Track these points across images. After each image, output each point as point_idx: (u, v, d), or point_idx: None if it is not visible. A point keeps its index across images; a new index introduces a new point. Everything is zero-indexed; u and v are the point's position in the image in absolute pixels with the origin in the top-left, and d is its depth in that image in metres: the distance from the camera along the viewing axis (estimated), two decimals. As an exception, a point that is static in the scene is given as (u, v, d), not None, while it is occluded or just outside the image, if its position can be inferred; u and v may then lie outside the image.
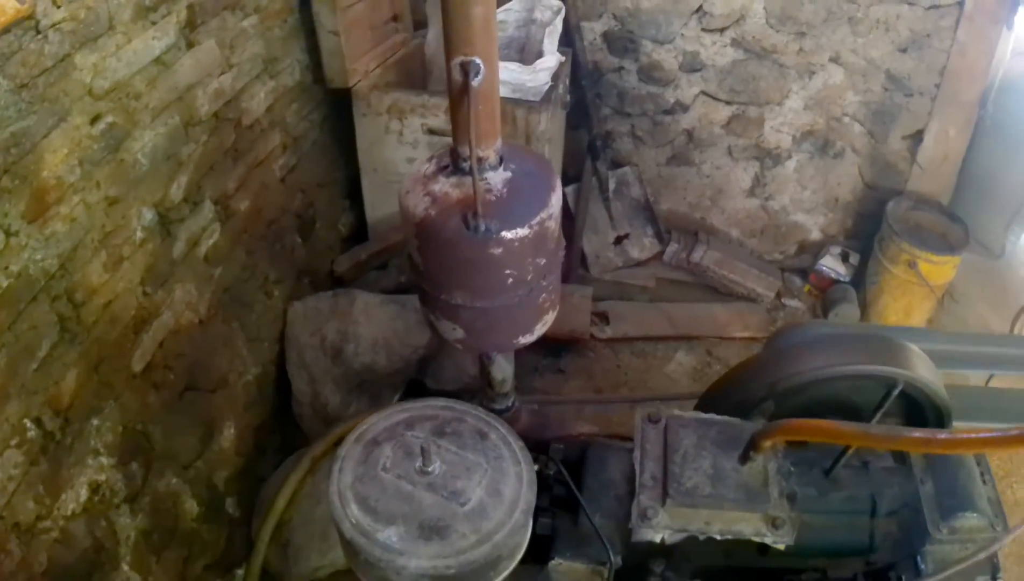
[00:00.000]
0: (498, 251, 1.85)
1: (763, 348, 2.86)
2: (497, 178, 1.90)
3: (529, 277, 1.97)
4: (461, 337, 2.11)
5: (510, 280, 1.93)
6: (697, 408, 2.61)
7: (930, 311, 5.07)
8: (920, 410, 2.42)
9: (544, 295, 2.08)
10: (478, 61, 1.71)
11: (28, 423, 2.42)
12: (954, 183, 5.14)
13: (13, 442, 2.36)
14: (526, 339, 2.17)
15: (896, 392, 2.28)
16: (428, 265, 1.99)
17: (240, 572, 3.57)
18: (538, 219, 1.87)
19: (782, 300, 5.43)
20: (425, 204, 1.88)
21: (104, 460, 2.78)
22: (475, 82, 1.71)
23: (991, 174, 4.99)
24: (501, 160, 1.93)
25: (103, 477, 2.78)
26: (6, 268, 2.30)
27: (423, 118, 4.05)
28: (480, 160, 1.86)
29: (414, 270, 2.07)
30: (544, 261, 1.98)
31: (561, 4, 4.36)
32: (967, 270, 4.96)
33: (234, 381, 3.66)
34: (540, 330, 2.18)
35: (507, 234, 1.83)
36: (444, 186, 1.90)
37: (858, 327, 4.75)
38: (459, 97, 1.78)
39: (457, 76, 1.74)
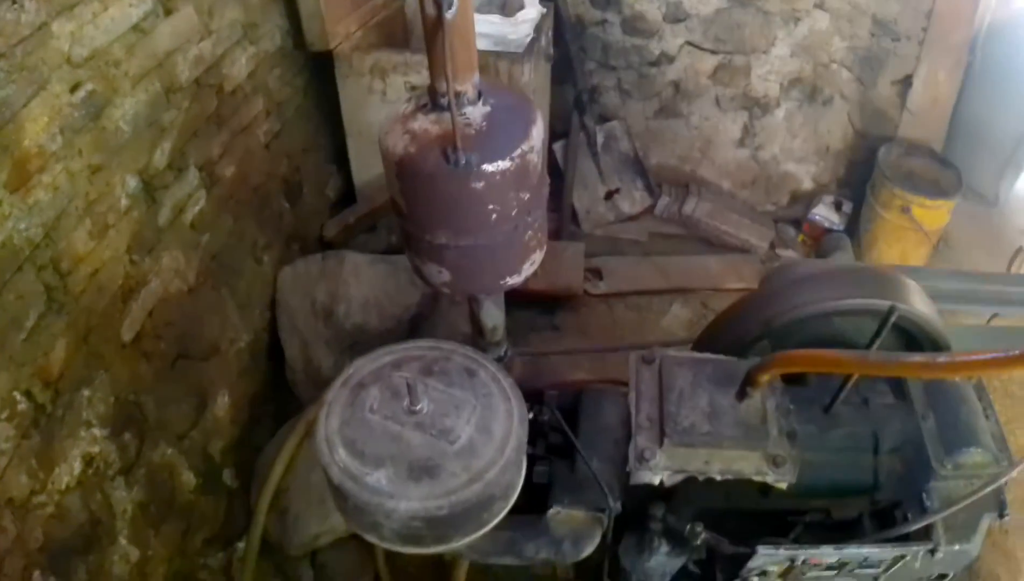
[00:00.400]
0: (480, 185, 1.83)
1: (758, 286, 2.83)
2: (476, 112, 1.88)
3: (513, 212, 1.95)
4: (447, 280, 2.09)
5: (494, 216, 1.91)
6: (692, 350, 2.60)
7: (925, 257, 5.05)
8: (918, 346, 2.42)
9: (530, 233, 2.05)
10: (451, -8, 1.68)
11: (18, 396, 2.40)
12: (945, 128, 5.13)
13: (3, 415, 2.34)
14: (513, 280, 2.15)
15: (892, 320, 2.25)
16: (411, 205, 1.97)
17: (240, 544, 3.56)
18: (519, 152, 1.85)
19: (776, 250, 5.42)
20: (404, 142, 1.85)
21: (97, 432, 2.76)
22: (449, 14, 1.68)
23: (982, 121, 4.98)
24: (480, 95, 1.90)
25: (96, 449, 2.76)
26: (-10, 237, 2.27)
27: (406, 76, 4.03)
28: (458, 94, 1.84)
29: (397, 212, 2.05)
30: (528, 196, 1.95)
31: (541, -43, 4.33)
32: (961, 217, 4.96)
33: (226, 349, 3.64)
34: (528, 270, 2.16)
35: (488, 167, 1.81)
36: (423, 124, 1.88)
37: (852, 263, 4.73)
38: (433, 31, 1.75)
39: (430, 10, 1.71)
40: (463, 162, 1.76)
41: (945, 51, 4.83)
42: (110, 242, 2.83)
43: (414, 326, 3.94)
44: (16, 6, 2.31)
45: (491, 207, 1.89)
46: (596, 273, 4.95)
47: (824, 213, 5.38)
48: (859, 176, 5.32)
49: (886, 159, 4.97)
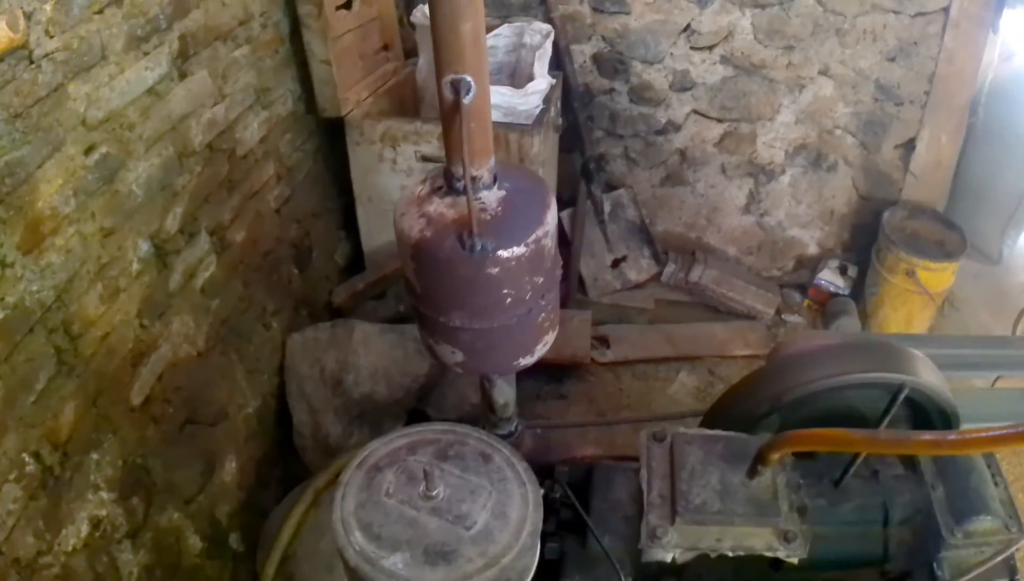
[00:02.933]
0: (495, 270, 1.83)
1: (766, 361, 2.84)
2: (492, 197, 1.89)
3: (527, 296, 1.95)
4: (461, 360, 2.09)
5: (508, 299, 1.92)
6: (702, 425, 2.60)
7: (930, 319, 5.06)
8: (926, 415, 2.41)
9: (543, 315, 2.06)
10: (469, 79, 1.70)
11: (27, 457, 2.40)
12: (948, 189, 5.15)
13: (12, 476, 2.33)
14: (527, 361, 2.15)
15: (902, 397, 2.26)
16: (425, 287, 1.97)
17: (246, 610, 3.54)
18: (534, 237, 1.86)
19: (782, 316, 5.43)
20: (420, 225, 1.86)
21: (104, 495, 2.75)
22: (466, 100, 1.70)
23: (985, 179, 5.00)
24: (495, 179, 1.92)
25: (104, 512, 2.75)
26: (1, 299, 2.29)
27: (416, 145, 4.05)
28: (474, 179, 1.85)
29: (411, 293, 2.05)
30: (542, 279, 1.96)
31: (550, 28, 4.38)
32: (965, 276, 4.96)
33: (234, 413, 3.63)
34: (541, 351, 2.17)
35: (503, 253, 1.81)
36: (439, 207, 1.89)
37: (860, 335, 4.74)
38: (451, 116, 1.76)
39: (448, 94, 1.73)
40: (479, 248, 1.77)
41: (947, 114, 4.86)
42: (121, 306, 2.83)
43: (423, 395, 3.94)
44: (33, 66, 2.34)
45: (506, 291, 1.89)
46: (603, 341, 4.95)
47: (829, 278, 5.37)
48: (864, 239, 5.33)
49: (890, 222, 4.98)
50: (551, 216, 1.94)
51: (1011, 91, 4.76)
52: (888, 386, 2.31)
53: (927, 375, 2.33)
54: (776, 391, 2.46)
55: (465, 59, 1.70)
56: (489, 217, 1.85)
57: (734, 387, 2.69)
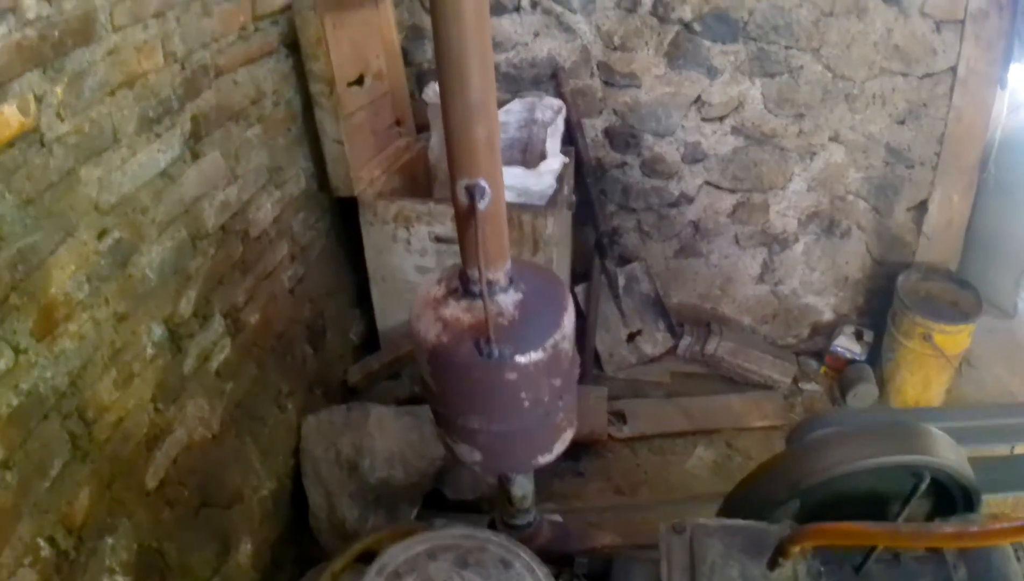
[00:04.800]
0: (513, 376, 1.83)
1: (785, 445, 2.83)
2: (508, 300, 1.88)
3: (546, 398, 1.94)
4: (479, 459, 2.09)
5: (526, 403, 1.91)
6: (721, 511, 2.60)
7: (948, 381, 5.03)
8: (947, 492, 2.40)
9: (562, 415, 2.06)
10: (483, 184, 1.70)
11: (41, 542, 2.38)
12: (961, 248, 5.14)
13: (27, 561, 2.31)
14: (545, 459, 2.15)
15: (924, 485, 2.27)
16: (442, 390, 1.97)
17: None
18: (552, 341, 1.85)
19: (798, 384, 5.39)
20: (437, 330, 1.86)
21: (119, 579, 2.73)
22: (481, 205, 1.70)
23: (997, 232, 4.99)
24: (511, 281, 1.91)
25: (119, 596, 2.73)
26: (16, 386, 2.27)
27: (430, 226, 4.05)
28: (490, 283, 1.84)
29: (428, 393, 2.05)
30: (559, 381, 1.95)
31: (561, 103, 4.39)
32: (981, 332, 4.93)
33: (249, 496, 3.61)
34: (559, 448, 2.17)
35: (521, 359, 1.81)
36: (455, 310, 1.88)
37: (876, 414, 4.69)
38: (466, 220, 1.76)
39: (463, 199, 1.73)
40: (496, 354, 1.77)
41: (958, 173, 4.86)
42: (135, 391, 2.82)
43: (439, 477, 3.91)
44: (45, 150, 2.34)
45: (524, 395, 1.89)
46: (620, 416, 4.93)
47: (845, 344, 5.34)
48: (879, 303, 5.31)
49: (904, 286, 4.96)
50: (568, 318, 1.93)
51: (1021, 142, 4.76)
52: (908, 469, 2.31)
53: (946, 454, 2.32)
54: (795, 477, 2.45)
55: (480, 164, 1.70)
56: (506, 322, 1.84)
57: (753, 473, 2.67)
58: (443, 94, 1.65)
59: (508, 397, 1.88)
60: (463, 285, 1.91)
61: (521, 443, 2.06)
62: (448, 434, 2.09)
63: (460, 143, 1.69)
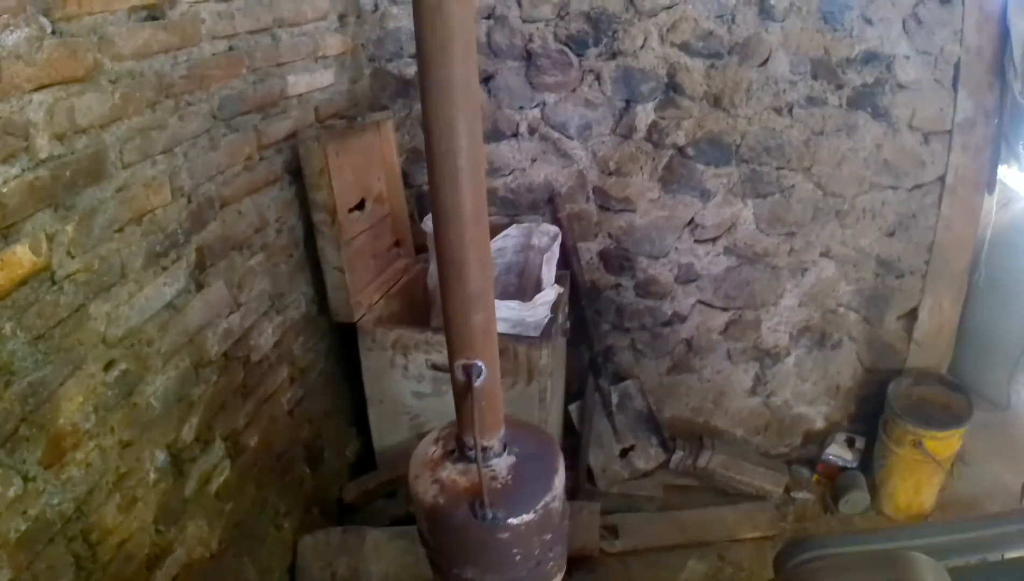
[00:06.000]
0: (505, 535, 1.90)
1: (773, 570, 2.88)
2: (502, 464, 1.96)
3: (536, 552, 2.01)
4: (473, 605, 2.16)
5: (518, 557, 1.98)
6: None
7: (940, 484, 5.05)
8: None
9: (552, 564, 2.12)
10: (480, 364, 1.79)
11: (47, 662, 2.43)
12: (951, 351, 5.19)
13: (34, 681, 2.36)
14: (536, 604, 2.21)
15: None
16: (439, 544, 2.04)
17: None
18: (543, 503, 1.93)
19: (791, 493, 5.40)
20: (434, 491, 1.93)
21: None
22: (478, 383, 1.79)
23: (989, 329, 5.05)
24: (505, 445, 1.99)
25: None
26: (24, 512, 2.33)
27: (427, 354, 4.11)
28: (485, 449, 1.93)
29: (425, 544, 2.12)
30: (550, 536, 2.02)
31: (558, 230, 4.48)
32: (975, 427, 4.93)
33: (247, 615, 3.64)
34: (550, 591, 2.23)
35: (513, 520, 1.88)
36: (451, 473, 1.96)
37: (862, 536, 4.73)
38: (462, 394, 1.85)
39: (460, 377, 1.82)
40: (490, 517, 1.84)
41: (948, 280, 4.95)
42: (138, 514, 2.88)
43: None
44: (56, 288, 2.42)
45: (515, 551, 1.95)
46: (612, 531, 4.93)
47: (837, 452, 5.39)
48: (870, 409, 5.35)
49: (895, 394, 5.02)
50: (559, 480, 2.01)
51: (1010, 239, 4.83)
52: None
53: (927, 577, 2.37)
54: None
55: (476, 346, 1.80)
56: (499, 485, 1.92)
57: None
58: (442, 284, 1.76)
59: (500, 554, 1.95)
60: (459, 449, 1.99)
61: (513, 590, 2.13)
62: (443, 580, 2.17)
63: (458, 327, 1.78)
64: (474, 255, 1.70)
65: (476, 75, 1.60)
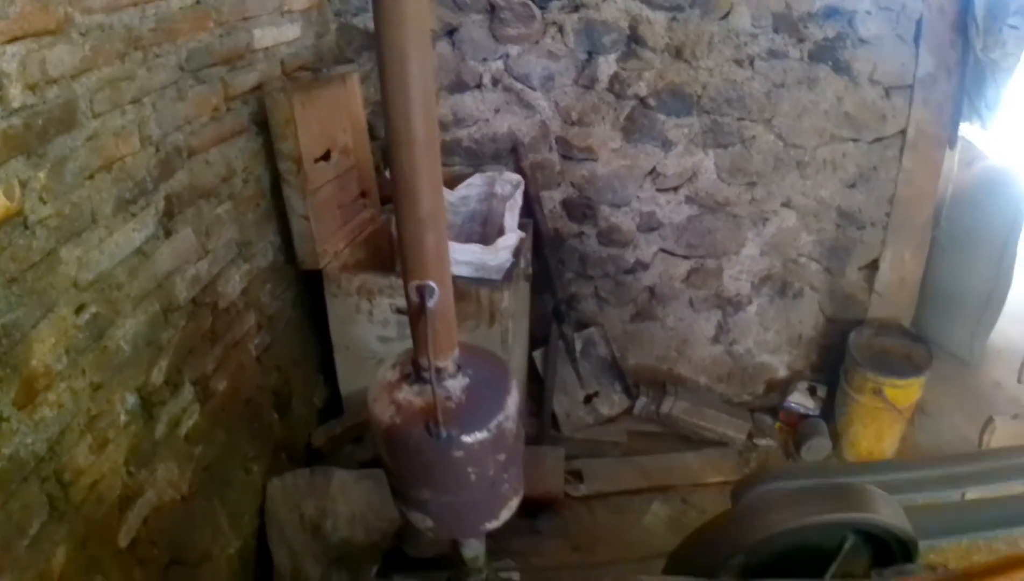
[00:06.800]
0: (460, 454, 1.97)
1: (730, 501, 2.93)
2: (456, 385, 2.03)
3: (491, 472, 2.08)
4: (431, 526, 2.22)
5: (473, 477, 2.04)
6: (667, 568, 2.69)
7: (901, 432, 5.15)
8: (886, 545, 2.47)
9: (507, 485, 2.19)
10: (432, 285, 1.85)
11: (20, 598, 2.48)
12: (914, 303, 5.26)
13: (5, 616, 2.41)
14: (492, 525, 2.28)
15: (847, 545, 2.39)
16: (396, 465, 2.10)
17: None
18: (496, 422, 2.00)
19: (754, 440, 5.50)
20: (391, 412, 2.00)
21: (93, 633, 2.82)
22: (431, 304, 1.85)
23: (952, 284, 5.15)
24: (459, 367, 2.06)
25: (91, 652, 2.81)
26: (-2, 452, 2.39)
27: (391, 298, 4.16)
28: (439, 371, 1.99)
29: (383, 466, 2.19)
30: (504, 456, 2.09)
31: (520, 178, 4.55)
32: (937, 380, 5.05)
33: (217, 555, 3.69)
34: (506, 515, 2.29)
35: (467, 438, 1.95)
36: (407, 395, 2.02)
37: (821, 471, 4.79)
38: (416, 316, 1.92)
39: (414, 298, 1.89)
40: (444, 436, 1.91)
41: (910, 233, 5.02)
42: (109, 455, 2.93)
43: (399, 535, 3.99)
44: (28, 233, 2.46)
45: (471, 470, 2.02)
46: (577, 476, 5.02)
47: (799, 400, 5.49)
48: (832, 360, 5.45)
49: (856, 343, 5.11)
50: (511, 401, 2.07)
51: (972, 196, 4.92)
52: (842, 525, 2.42)
53: (880, 509, 2.39)
54: (735, 536, 2.53)
55: (429, 268, 1.86)
56: (454, 405, 1.99)
57: (698, 530, 2.74)
58: (396, 208, 1.81)
59: (456, 472, 2.02)
60: (415, 371, 2.05)
61: (469, 512, 2.19)
62: (402, 503, 2.23)
63: (411, 250, 1.84)
64: (426, 179, 1.77)
65: (427, 8, 1.66)
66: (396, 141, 1.74)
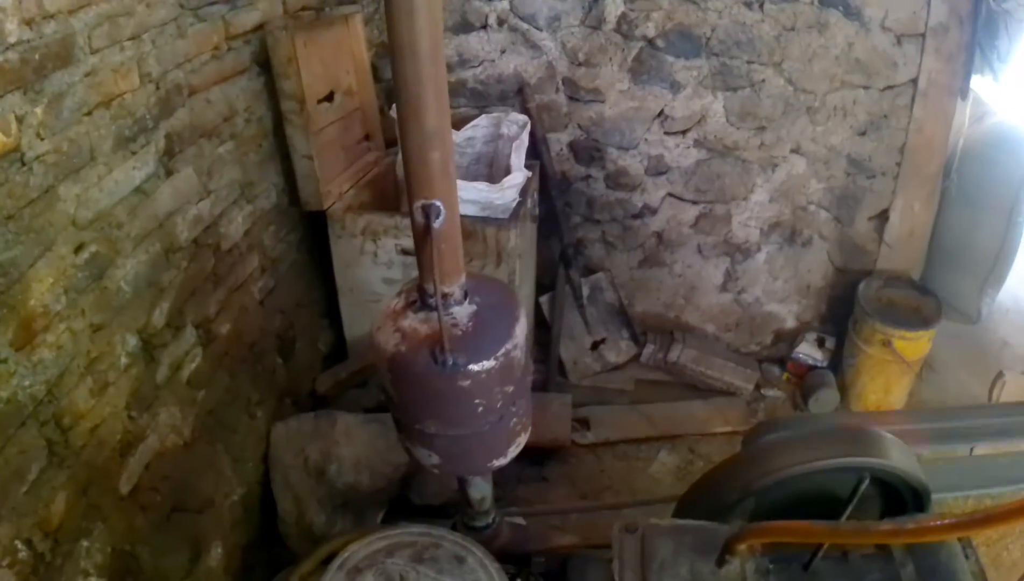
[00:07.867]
0: (466, 383, 1.92)
1: (741, 447, 2.90)
2: (462, 312, 1.98)
3: (498, 405, 2.03)
4: (437, 463, 2.17)
5: (480, 408, 2.00)
6: (675, 512, 2.67)
7: (909, 386, 5.12)
8: (897, 492, 2.47)
9: (515, 420, 2.14)
10: (438, 204, 1.79)
11: (19, 544, 2.43)
12: (924, 256, 5.23)
13: (4, 562, 2.37)
14: (500, 462, 2.23)
15: (864, 486, 2.33)
16: (401, 397, 2.05)
17: None
18: (503, 350, 1.95)
19: (761, 391, 5.48)
20: (395, 340, 1.95)
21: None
22: (436, 224, 1.80)
23: (961, 241, 5.06)
24: (466, 294, 2.01)
25: (93, 598, 2.79)
26: (-6, 393, 2.34)
27: (396, 239, 4.12)
28: (445, 296, 1.94)
29: (388, 400, 2.14)
30: (512, 388, 2.04)
31: (527, 119, 4.46)
32: (944, 337, 5.02)
33: (220, 501, 3.67)
34: (513, 452, 2.25)
35: (474, 367, 1.91)
36: (412, 322, 1.97)
37: (831, 418, 4.77)
38: (422, 238, 1.86)
39: (419, 218, 1.83)
40: (450, 363, 1.86)
41: (920, 183, 4.97)
42: (110, 399, 2.88)
43: (405, 481, 3.98)
44: (25, 169, 2.41)
45: (477, 401, 1.98)
46: (584, 423, 5.00)
47: (807, 351, 5.45)
48: (841, 311, 5.41)
49: (865, 294, 5.07)
50: (520, 329, 2.02)
51: (983, 152, 4.81)
52: (854, 470, 2.37)
53: (894, 456, 2.37)
54: (746, 479, 2.51)
55: (434, 186, 1.80)
56: (460, 332, 1.93)
57: (707, 475, 2.71)
58: (400, 123, 1.75)
59: (462, 403, 1.98)
60: (421, 298, 2.00)
61: (476, 447, 2.15)
62: (408, 439, 2.18)
63: (416, 167, 1.79)
64: (431, 92, 1.70)
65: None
66: (400, 54, 1.67)
